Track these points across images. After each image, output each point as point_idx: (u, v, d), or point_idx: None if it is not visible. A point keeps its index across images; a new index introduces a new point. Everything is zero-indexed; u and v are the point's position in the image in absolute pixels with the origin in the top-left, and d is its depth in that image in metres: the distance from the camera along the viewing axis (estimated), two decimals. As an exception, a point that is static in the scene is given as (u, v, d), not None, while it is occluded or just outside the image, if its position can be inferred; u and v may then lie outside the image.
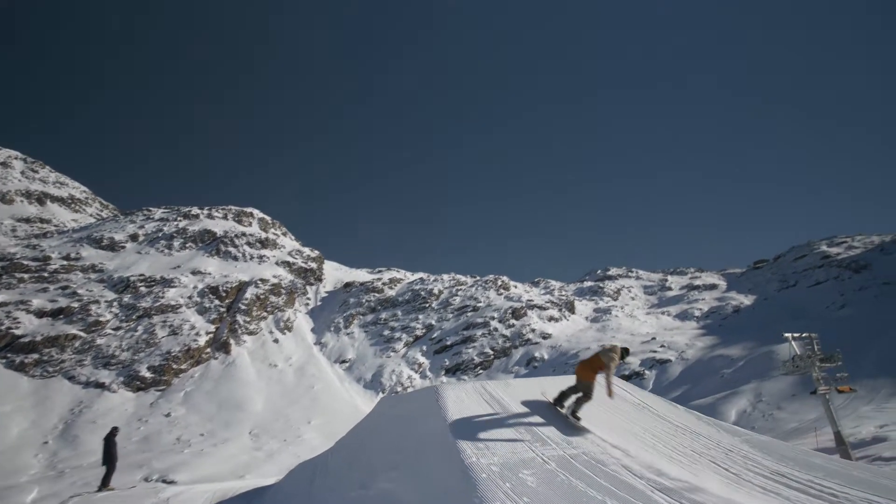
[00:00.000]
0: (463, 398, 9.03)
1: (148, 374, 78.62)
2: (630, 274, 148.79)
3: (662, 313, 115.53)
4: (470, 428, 7.82)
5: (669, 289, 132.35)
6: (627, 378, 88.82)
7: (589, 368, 7.99)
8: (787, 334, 19.76)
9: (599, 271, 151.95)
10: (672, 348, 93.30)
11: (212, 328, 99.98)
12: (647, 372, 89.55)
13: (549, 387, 9.71)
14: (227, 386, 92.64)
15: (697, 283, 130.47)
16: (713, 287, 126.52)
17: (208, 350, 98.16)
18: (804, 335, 19.65)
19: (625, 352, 8.26)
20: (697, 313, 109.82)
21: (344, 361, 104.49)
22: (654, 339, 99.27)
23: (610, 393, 7.89)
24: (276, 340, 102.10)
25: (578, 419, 7.86)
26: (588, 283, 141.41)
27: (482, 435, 7.58)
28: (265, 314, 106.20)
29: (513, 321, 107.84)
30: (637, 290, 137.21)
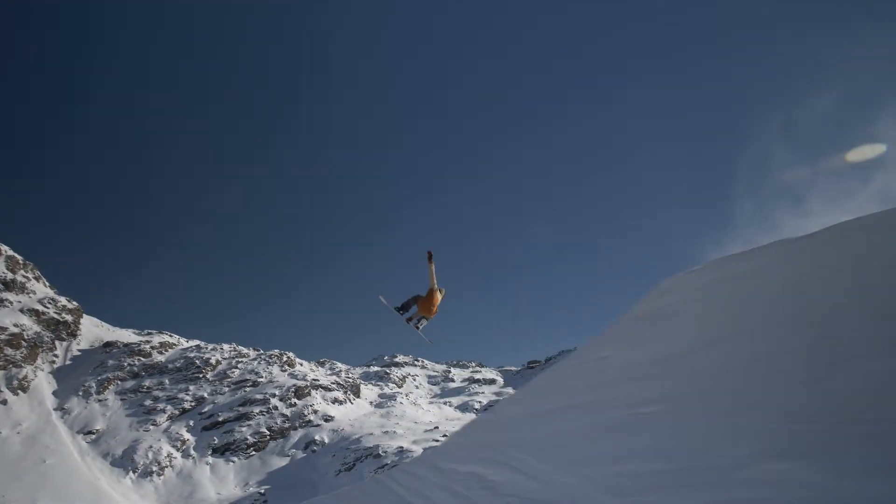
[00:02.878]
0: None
1: None
2: (416, 362, 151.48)
3: (445, 403, 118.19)
4: None
5: (452, 380, 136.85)
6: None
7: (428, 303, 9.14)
8: None
9: (387, 357, 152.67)
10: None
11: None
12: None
13: None
14: (-78, 454, 74.47)
15: (478, 377, 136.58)
16: (492, 382, 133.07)
17: None
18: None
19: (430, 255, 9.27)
20: (477, 406, 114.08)
21: (90, 433, 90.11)
22: (436, 428, 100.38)
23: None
24: (3, 401, 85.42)
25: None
26: (375, 368, 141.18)
27: None
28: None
29: (295, 400, 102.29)
30: (422, 378, 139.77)
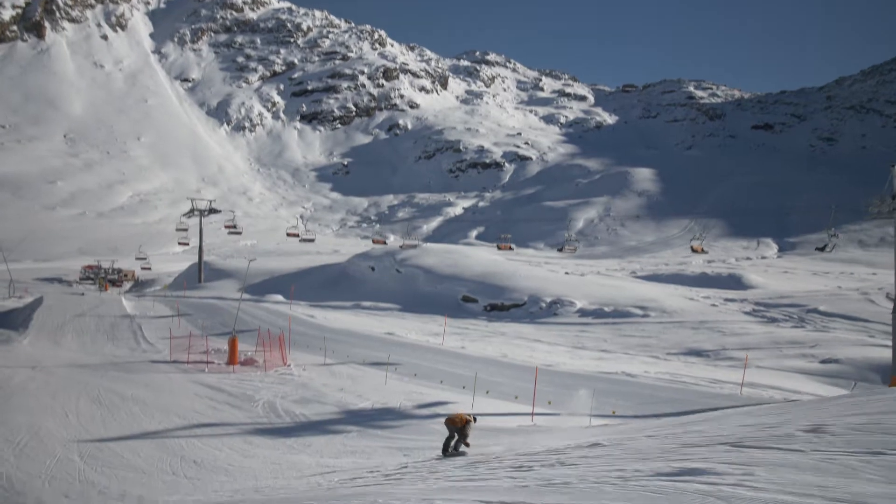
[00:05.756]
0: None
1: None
2: (508, 64, 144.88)
3: (531, 112, 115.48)
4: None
5: (542, 90, 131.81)
6: (487, 166, 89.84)
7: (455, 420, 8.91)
8: None
9: (478, 53, 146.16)
10: (535, 147, 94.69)
11: (20, 2, 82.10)
12: (507, 164, 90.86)
13: None
14: (37, 76, 79.17)
15: (569, 90, 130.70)
16: (582, 99, 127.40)
17: (14, 28, 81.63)
18: (901, 172, 17.00)
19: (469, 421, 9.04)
20: (563, 120, 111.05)
21: (186, 80, 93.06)
22: (519, 134, 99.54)
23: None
24: (104, 37, 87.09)
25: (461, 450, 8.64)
26: (464, 63, 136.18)
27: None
28: (93, 2, 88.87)
29: (383, 81, 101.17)
30: (511, 82, 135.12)
